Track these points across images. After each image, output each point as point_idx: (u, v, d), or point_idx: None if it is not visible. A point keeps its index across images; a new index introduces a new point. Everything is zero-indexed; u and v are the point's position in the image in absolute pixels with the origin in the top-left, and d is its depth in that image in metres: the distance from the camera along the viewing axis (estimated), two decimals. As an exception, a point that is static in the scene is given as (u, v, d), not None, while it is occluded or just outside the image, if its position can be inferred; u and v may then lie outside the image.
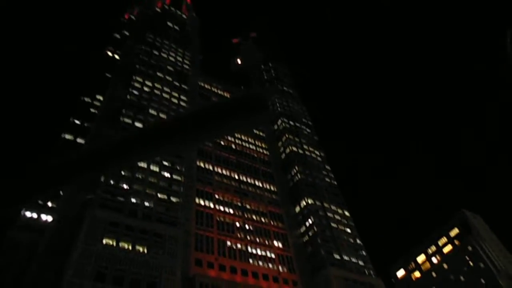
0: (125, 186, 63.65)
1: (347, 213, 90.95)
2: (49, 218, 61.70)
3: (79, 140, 78.13)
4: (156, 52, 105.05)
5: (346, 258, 76.17)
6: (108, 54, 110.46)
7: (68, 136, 79.22)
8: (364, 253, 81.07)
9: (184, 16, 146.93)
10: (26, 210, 63.35)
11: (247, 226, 77.72)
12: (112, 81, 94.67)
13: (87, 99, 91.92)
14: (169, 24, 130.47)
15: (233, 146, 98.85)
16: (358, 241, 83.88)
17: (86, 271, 48.64)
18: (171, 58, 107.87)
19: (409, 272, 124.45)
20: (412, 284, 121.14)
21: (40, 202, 65.62)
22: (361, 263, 77.71)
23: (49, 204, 66.42)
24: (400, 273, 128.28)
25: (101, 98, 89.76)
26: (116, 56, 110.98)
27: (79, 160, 3.04)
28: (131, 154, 3.21)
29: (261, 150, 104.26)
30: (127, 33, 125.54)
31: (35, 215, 63.56)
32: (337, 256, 75.56)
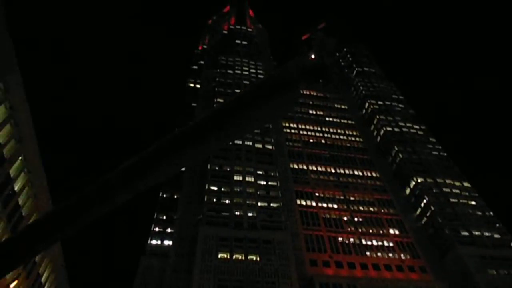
0: (227, 201, 67.08)
1: (467, 184, 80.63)
2: (170, 243, 68.33)
3: (181, 168, 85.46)
4: (230, 71, 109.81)
5: (476, 233, 67.26)
6: (190, 86, 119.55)
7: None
8: (498, 224, 70.51)
9: (250, 30, 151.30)
10: (152, 239, 71.51)
11: (355, 219, 74.52)
12: (197, 108, 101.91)
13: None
14: (237, 41, 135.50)
15: (323, 141, 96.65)
16: (488, 212, 73.49)
17: (208, 286, 52.16)
18: (245, 73, 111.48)
19: None
20: None
21: (160, 229, 73.48)
22: (497, 236, 67.71)
23: (168, 230, 73.80)
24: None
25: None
26: (198, 86, 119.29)
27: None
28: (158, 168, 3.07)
29: (353, 138, 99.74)
30: (202, 62, 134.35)
31: (159, 242, 71.23)
32: (465, 233, 67.25)
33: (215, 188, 69.85)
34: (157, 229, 73.79)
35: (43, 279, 49.61)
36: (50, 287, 52.53)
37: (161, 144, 2.92)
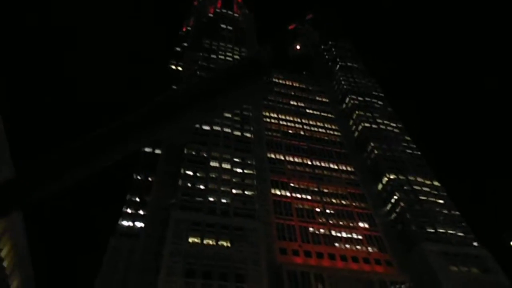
0: (201, 187, 66.79)
1: (437, 183, 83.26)
2: (142, 225, 67.66)
3: (157, 151, 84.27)
4: (213, 56, 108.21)
5: (441, 230, 69.83)
6: (172, 68, 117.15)
7: (147, 149, 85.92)
8: (463, 223, 73.40)
9: (236, 15, 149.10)
10: (123, 220, 70.54)
11: (327, 210, 75.84)
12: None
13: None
14: (223, 26, 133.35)
15: (302, 133, 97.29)
16: (453, 211, 76.28)
17: (177, 269, 52.13)
18: (228, 58, 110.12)
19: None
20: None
21: (132, 211, 72.54)
22: (460, 234, 70.53)
23: (141, 212, 72.95)
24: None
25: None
26: (180, 68, 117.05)
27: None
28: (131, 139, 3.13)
29: (331, 132, 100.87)
30: (186, 45, 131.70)
31: (130, 223, 70.37)
32: (430, 230, 69.70)
33: (191, 173, 69.36)
34: (129, 210, 72.72)
35: (2, 254, 48.20)
36: (9, 263, 51.10)
37: (138, 114, 3.11)
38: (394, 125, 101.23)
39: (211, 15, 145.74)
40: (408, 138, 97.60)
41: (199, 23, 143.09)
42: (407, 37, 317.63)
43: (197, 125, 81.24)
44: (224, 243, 57.74)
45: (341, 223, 73.74)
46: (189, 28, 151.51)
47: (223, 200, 65.03)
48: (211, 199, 64.75)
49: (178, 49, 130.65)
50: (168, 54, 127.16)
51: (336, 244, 68.82)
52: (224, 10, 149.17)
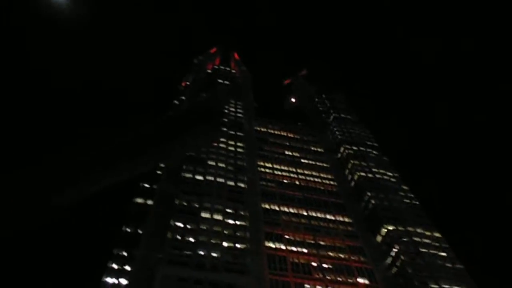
0: (191, 239, 63.95)
1: (438, 235, 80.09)
2: (126, 282, 63.62)
3: (149, 202, 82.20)
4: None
5: (445, 286, 65.61)
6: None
7: (139, 200, 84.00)
8: (467, 278, 69.25)
9: (233, 71, 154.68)
10: (107, 276, 66.47)
11: (324, 265, 71.94)
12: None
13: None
14: (220, 80, 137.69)
15: (297, 182, 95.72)
16: (457, 265, 72.40)
17: (160, 331, 47.94)
18: (224, 111, 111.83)
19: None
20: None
21: (118, 266, 68.70)
22: (466, 290, 66.25)
23: (127, 267, 69.06)
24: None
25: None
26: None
27: None
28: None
29: (327, 182, 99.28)
30: (183, 98, 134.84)
31: (115, 280, 66.24)
32: (434, 286, 65.51)
33: (181, 225, 66.87)
34: (114, 265, 68.88)
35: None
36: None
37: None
38: (391, 174, 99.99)
39: (209, 71, 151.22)
40: (406, 188, 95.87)
41: (198, 79, 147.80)
42: (399, 89, 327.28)
43: (190, 175, 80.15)
44: (213, 302, 53.85)
45: (339, 278, 69.56)
46: (188, 83, 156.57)
47: (214, 254, 61.84)
48: (201, 252, 61.63)
49: (176, 102, 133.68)
50: (166, 106, 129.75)
51: (334, 302, 64.30)
52: (222, 67, 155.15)
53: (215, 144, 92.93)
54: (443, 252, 75.53)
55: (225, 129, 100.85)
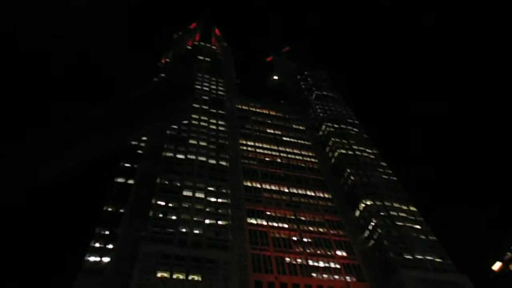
0: (173, 217, 64.43)
1: (413, 209, 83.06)
2: (109, 259, 64.02)
3: (130, 181, 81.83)
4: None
5: (419, 257, 68.76)
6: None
7: (120, 179, 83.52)
8: (441, 249, 72.66)
9: (214, 47, 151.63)
10: (90, 255, 66.63)
11: (304, 239, 74.08)
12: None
13: (134, 142, 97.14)
14: (200, 57, 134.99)
15: (279, 160, 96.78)
16: (431, 237, 75.69)
17: (143, 306, 48.92)
18: (205, 88, 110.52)
19: (506, 263, 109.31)
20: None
21: (101, 245, 68.88)
22: (438, 260, 69.58)
23: (110, 246, 69.32)
24: (496, 265, 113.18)
25: (145, 138, 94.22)
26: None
27: None
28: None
29: (308, 159, 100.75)
30: (163, 75, 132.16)
31: (98, 258, 66.54)
32: (408, 256, 68.53)
33: (162, 203, 67.14)
34: (97, 244, 69.00)
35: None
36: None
37: None
38: (370, 151, 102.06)
39: (189, 47, 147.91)
40: (384, 164, 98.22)
41: (178, 55, 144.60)
42: (382, 64, 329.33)
43: (171, 154, 79.85)
44: (195, 277, 54.98)
45: (318, 252, 71.90)
46: (168, 60, 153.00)
47: (195, 231, 62.67)
48: (183, 230, 62.31)
49: (155, 79, 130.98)
50: (144, 84, 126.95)
51: (314, 274, 66.65)
52: (202, 43, 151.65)
53: (196, 123, 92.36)
54: (418, 225, 78.57)
55: (206, 107, 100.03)
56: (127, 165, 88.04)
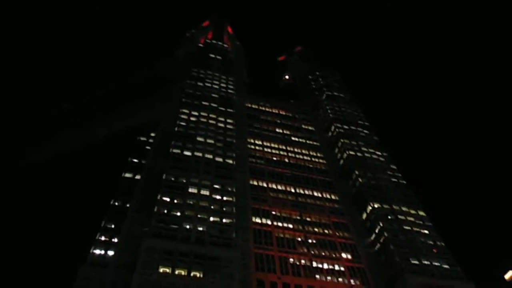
0: (177, 213, 64.55)
1: (421, 213, 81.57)
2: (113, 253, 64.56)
3: (137, 177, 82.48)
4: (200, 83, 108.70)
5: (426, 262, 67.44)
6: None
7: (128, 175, 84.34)
8: (449, 255, 71.14)
9: (225, 46, 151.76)
10: (95, 248, 67.30)
11: (309, 240, 73.43)
12: (164, 117, 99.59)
13: (142, 138, 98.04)
14: (212, 55, 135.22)
15: (286, 160, 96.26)
16: (439, 242, 74.19)
17: (145, 301, 49.05)
18: (215, 86, 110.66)
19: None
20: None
21: (106, 238, 69.56)
22: (445, 266, 68.14)
23: (115, 240, 69.91)
24: (508, 274, 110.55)
25: (153, 134, 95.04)
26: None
27: None
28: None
29: (316, 160, 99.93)
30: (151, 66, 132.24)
31: (102, 252, 67.22)
32: (415, 262, 67.27)
33: (167, 199, 67.32)
34: (102, 238, 69.79)
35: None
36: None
37: None
38: (380, 153, 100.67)
39: (201, 45, 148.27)
40: (394, 167, 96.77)
41: (190, 53, 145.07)
42: (394, 68, 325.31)
43: (178, 151, 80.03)
44: (197, 274, 54.91)
45: (323, 253, 71.17)
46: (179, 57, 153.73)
47: (199, 228, 62.61)
48: (186, 226, 62.36)
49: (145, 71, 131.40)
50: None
51: (317, 276, 65.95)
52: (214, 41, 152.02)
53: (204, 120, 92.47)
54: (426, 230, 77.11)
55: (215, 104, 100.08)
56: (135, 160, 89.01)
